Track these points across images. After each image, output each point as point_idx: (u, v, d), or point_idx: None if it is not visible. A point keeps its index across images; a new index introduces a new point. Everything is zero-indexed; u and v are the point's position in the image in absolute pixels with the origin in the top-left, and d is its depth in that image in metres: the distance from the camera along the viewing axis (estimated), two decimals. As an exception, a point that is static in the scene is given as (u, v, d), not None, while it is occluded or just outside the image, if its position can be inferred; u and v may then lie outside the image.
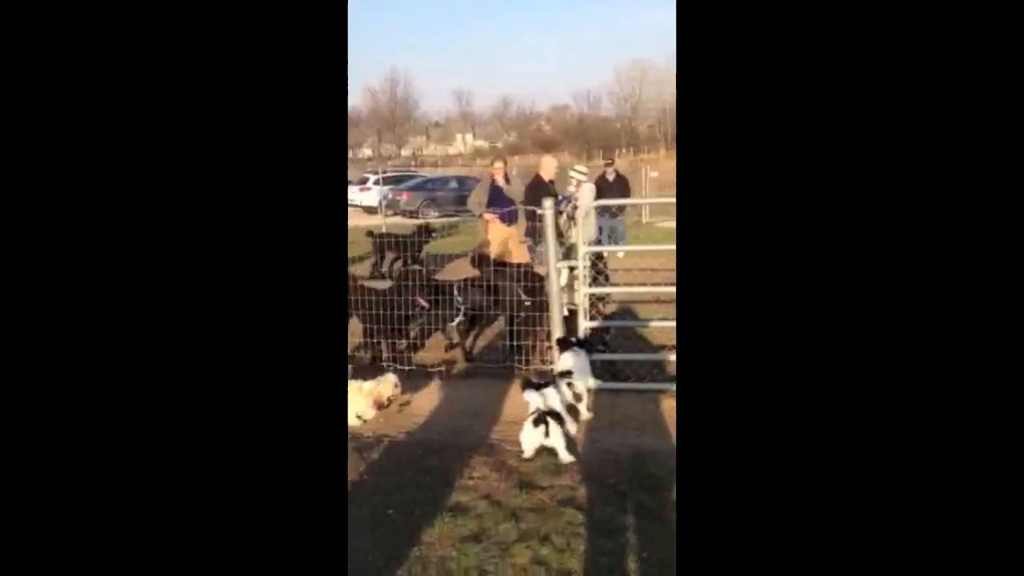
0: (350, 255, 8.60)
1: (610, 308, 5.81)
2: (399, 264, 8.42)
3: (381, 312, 4.92)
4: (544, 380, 3.75)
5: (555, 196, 6.21)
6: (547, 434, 3.26)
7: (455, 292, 5.11)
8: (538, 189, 6.45)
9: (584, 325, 4.39)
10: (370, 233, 9.46)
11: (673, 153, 40.22)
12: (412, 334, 5.34)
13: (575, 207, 5.31)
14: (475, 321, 5.28)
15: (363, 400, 3.91)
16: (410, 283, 5.06)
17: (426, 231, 8.82)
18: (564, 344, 4.11)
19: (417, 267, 6.12)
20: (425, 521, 2.68)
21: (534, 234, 4.49)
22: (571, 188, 6.50)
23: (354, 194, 19.76)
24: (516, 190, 6.88)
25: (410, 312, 5.06)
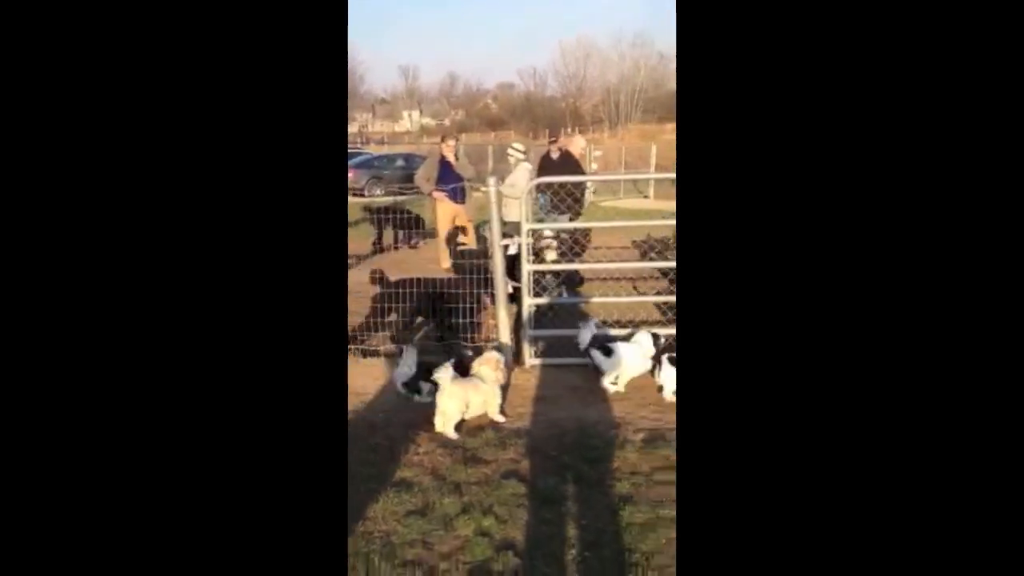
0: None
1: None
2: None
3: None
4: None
5: (583, 171, 6.40)
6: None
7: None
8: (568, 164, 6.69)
9: (527, 302, 4.44)
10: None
11: (616, 133, 40.51)
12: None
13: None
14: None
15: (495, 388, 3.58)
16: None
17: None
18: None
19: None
20: (370, 497, 2.69)
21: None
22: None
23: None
24: (465, 166, 6.89)
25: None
